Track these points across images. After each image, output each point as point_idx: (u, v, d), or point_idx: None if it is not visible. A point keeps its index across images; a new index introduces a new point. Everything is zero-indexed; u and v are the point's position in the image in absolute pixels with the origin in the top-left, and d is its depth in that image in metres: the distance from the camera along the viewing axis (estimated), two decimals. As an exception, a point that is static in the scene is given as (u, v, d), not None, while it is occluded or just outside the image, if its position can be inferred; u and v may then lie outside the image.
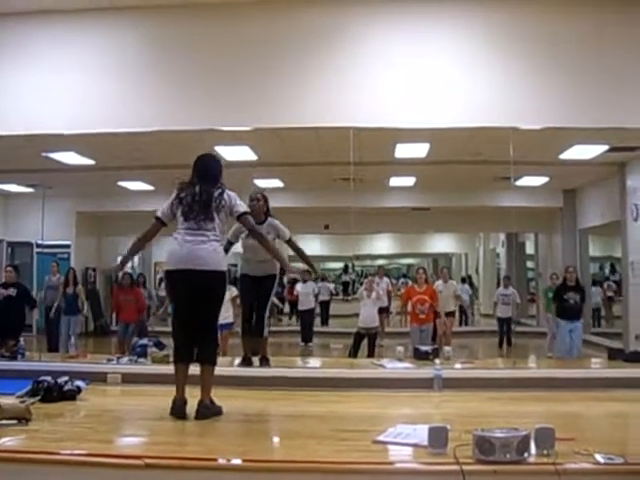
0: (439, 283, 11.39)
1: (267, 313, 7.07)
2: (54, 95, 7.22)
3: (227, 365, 7.08)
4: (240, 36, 7.07)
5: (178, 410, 4.96)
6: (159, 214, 5.25)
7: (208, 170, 5.28)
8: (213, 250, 5.10)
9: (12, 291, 8.96)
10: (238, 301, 8.09)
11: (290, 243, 7.06)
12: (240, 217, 5.27)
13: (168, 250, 5.20)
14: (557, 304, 10.06)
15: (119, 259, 5.94)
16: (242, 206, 5.29)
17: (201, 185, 5.16)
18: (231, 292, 9.47)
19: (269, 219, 6.90)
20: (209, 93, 7.10)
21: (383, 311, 11.64)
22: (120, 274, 10.46)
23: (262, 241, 5.56)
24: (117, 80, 7.22)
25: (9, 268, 9.30)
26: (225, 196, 5.17)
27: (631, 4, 6.79)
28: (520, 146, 7.45)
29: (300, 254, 7.16)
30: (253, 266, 7.02)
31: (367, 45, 7.04)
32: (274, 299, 7.89)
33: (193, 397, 5.02)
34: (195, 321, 5.12)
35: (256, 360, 7.14)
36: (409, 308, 10.42)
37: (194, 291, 5.06)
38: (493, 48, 7.00)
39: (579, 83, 6.86)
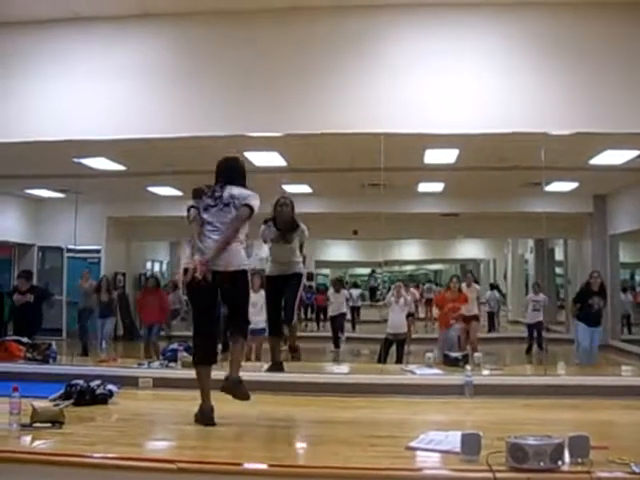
0: (463, 286, 11.39)
1: (297, 302, 7.14)
2: (85, 101, 7.29)
3: (256, 370, 7.09)
4: (271, 42, 7.10)
5: (207, 418, 4.90)
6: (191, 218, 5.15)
7: (235, 172, 5.28)
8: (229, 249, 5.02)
9: (29, 297, 9.09)
10: None
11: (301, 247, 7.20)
12: (243, 205, 5.07)
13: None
14: (580, 308, 9.94)
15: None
16: (253, 202, 5.11)
17: (226, 187, 5.14)
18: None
19: (301, 225, 7.04)
20: (239, 99, 7.12)
21: (409, 315, 11.63)
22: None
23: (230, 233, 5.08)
24: (147, 86, 7.29)
25: (22, 279, 9.43)
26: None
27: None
28: (550, 151, 7.39)
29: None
30: (279, 267, 7.10)
31: (398, 51, 7.04)
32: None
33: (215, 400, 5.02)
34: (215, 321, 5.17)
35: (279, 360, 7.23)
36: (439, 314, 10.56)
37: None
38: (524, 53, 6.96)
39: (610, 88, 6.78)
